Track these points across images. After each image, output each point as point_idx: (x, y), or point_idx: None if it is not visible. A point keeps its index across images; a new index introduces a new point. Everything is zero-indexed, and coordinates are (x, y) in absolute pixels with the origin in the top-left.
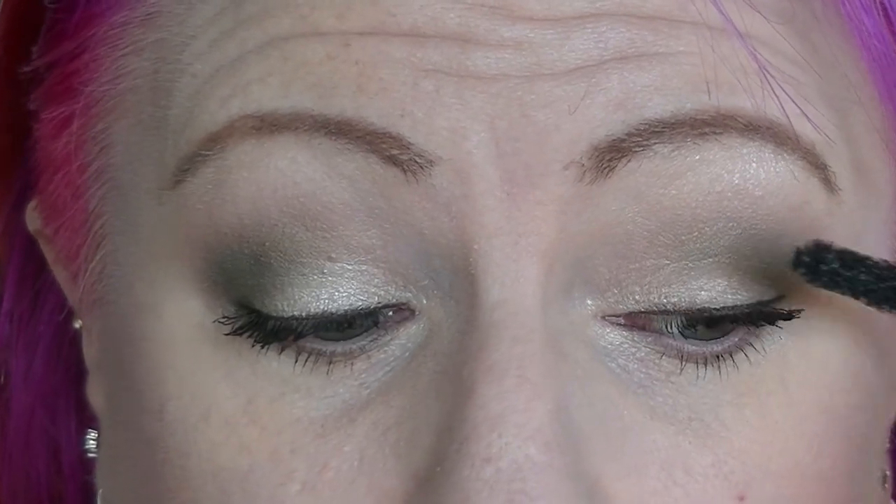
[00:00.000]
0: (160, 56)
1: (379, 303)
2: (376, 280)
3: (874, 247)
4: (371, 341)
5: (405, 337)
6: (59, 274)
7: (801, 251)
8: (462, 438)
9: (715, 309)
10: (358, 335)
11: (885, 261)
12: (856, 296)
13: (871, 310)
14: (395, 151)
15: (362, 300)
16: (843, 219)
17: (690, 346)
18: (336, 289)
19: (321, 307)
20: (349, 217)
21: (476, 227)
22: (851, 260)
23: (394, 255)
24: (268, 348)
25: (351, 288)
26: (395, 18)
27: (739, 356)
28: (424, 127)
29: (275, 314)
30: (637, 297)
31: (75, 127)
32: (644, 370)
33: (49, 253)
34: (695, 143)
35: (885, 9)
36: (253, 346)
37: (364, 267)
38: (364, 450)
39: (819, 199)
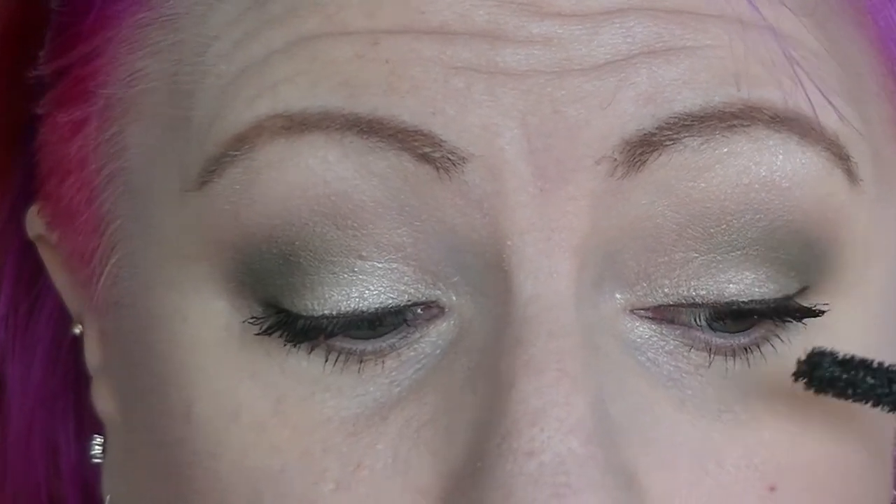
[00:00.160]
0: (179, 58)
1: (408, 301)
2: (406, 278)
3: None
4: (401, 339)
5: (435, 334)
6: (59, 279)
7: (801, 360)
8: (503, 433)
9: (743, 302)
10: (387, 333)
11: (886, 364)
12: (863, 401)
13: (891, 302)
14: (427, 149)
15: (392, 298)
16: (864, 209)
17: (718, 339)
18: (366, 287)
19: (351, 306)
20: (380, 215)
21: (508, 224)
22: (851, 364)
23: (424, 252)
24: (298, 348)
25: (381, 286)
26: (425, 16)
27: (767, 348)
28: (456, 124)
29: (305, 313)
30: (666, 290)
31: (91, 130)
32: (673, 363)
33: (50, 258)
34: (723, 135)
35: None
36: (284, 345)
37: (394, 265)
38: (398, 447)
39: (842, 190)
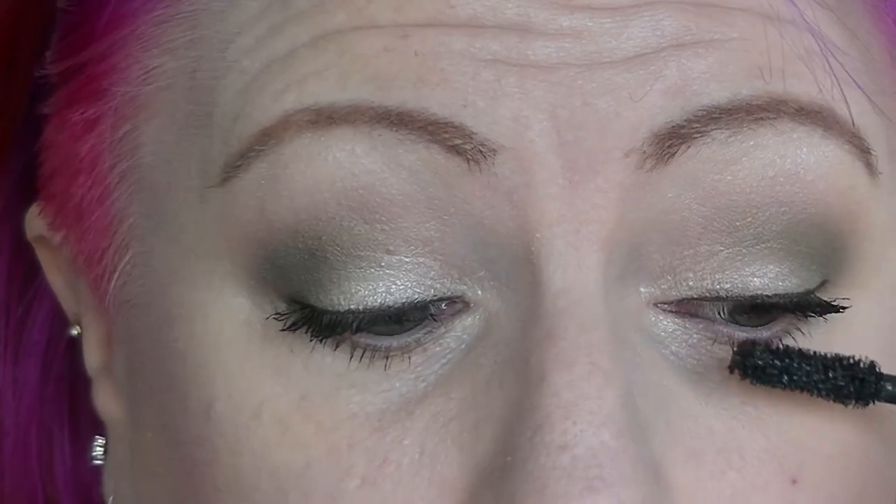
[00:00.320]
0: (199, 54)
1: (434, 296)
2: (432, 273)
3: None
4: (426, 334)
5: (460, 329)
6: (57, 281)
7: (733, 351)
8: (535, 427)
9: (767, 296)
10: (412, 328)
11: (821, 352)
12: (800, 388)
13: None
14: (457, 141)
15: (418, 293)
16: (882, 202)
17: (740, 333)
18: (393, 282)
19: (377, 301)
20: (408, 209)
21: (537, 216)
22: (785, 352)
23: (451, 246)
24: (324, 343)
25: (408, 281)
26: (454, 10)
27: (788, 341)
28: (487, 116)
29: (330, 308)
30: (690, 283)
31: (104, 128)
32: (696, 357)
33: (49, 259)
34: (750, 128)
35: None
36: (309, 341)
37: (421, 259)
38: (424, 442)
39: (862, 183)
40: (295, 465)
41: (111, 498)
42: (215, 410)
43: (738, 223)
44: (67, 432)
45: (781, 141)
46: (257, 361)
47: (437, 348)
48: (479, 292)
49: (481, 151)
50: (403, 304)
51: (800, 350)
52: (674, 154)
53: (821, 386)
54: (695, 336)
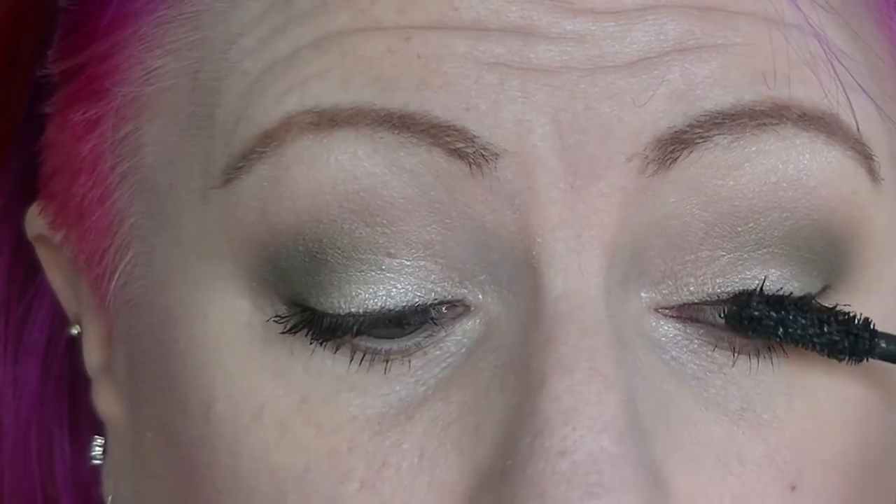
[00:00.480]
0: (201, 55)
1: (435, 299)
2: (433, 276)
3: None
4: (426, 338)
5: (461, 333)
6: (57, 280)
7: (731, 301)
8: (535, 432)
9: None
10: (412, 332)
11: (817, 306)
12: (796, 342)
13: None
14: (460, 144)
15: (419, 296)
16: (884, 208)
17: (742, 338)
18: (394, 285)
19: (378, 304)
20: (410, 212)
21: (539, 220)
22: (781, 304)
23: (452, 250)
24: (324, 346)
25: (409, 284)
26: (458, 12)
27: (789, 346)
28: (489, 120)
29: (331, 311)
30: (692, 287)
31: (105, 128)
32: (697, 362)
33: (49, 258)
34: (753, 133)
35: None
36: (309, 344)
37: (422, 263)
38: (424, 446)
39: (865, 189)
40: (294, 468)
41: (110, 497)
42: (215, 412)
43: (739, 228)
44: (67, 432)
45: (784, 147)
46: (258, 363)
47: (438, 352)
48: (480, 296)
49: (483, 155)
50: (404, 307)
51: (796, 303)
52: (676, 159)
53: (816, 340)
54: (696, 341)
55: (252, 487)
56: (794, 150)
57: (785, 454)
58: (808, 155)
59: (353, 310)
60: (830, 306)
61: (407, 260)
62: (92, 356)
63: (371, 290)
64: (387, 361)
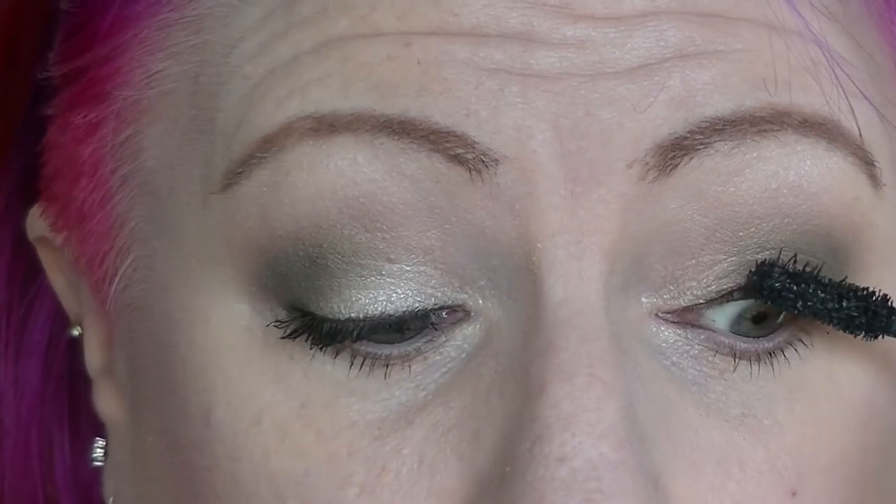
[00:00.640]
0: (202, 59)
1: (435, 304)
2: (433, 281)
3: None
4: (426, 343)
5: (461, 338)
6: (58, 281)
7: (751, 272)
8: (534, 438)
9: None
10: (412, 337)
11: (836, 281)
12: (814, 315)
13: None
14: (459, 150)
15: (419, 302)
16: (886, 214)
17: (742, 344)
18: (394, 290)
19: (378, 309)
20: (410, 217)
21: (539, 226)
22: (801, 277)
23: (452, 255)
24: (324, 352)
25: (408, 289)
26: (458, 18)
27: (790, 351)
28: (489, 126)
29: (331, 316)
30: (695, 291)
31: (106, 132)
32: (698, 367)
33: (50, 260)
34: (753, 139)
35: None
36: (309, 349)
37: (422, 268)
38: (424, 451)
39: (866, 195)
40: (294, 473)
41: (111, 499)
42: (215, 416)
43: (741, 233)
44: (68, 432)
45: (785, 153)
46: (258, 368)
47: (438, 357)
48: (480, 301)
49: (483, 161)
50: (404, 312)
51: (816, 276)
52: (676, 165)
53: (833, 315)
54: (696, 347)
55: (252, 492)
56: (795, 156)
57: (786, 460)
58: (809, 161)
59: (353, 315)
60: (847, 283)
61: (407, 265)
62: (93, 357)
63: (371, 295)
64: (387, 366)
